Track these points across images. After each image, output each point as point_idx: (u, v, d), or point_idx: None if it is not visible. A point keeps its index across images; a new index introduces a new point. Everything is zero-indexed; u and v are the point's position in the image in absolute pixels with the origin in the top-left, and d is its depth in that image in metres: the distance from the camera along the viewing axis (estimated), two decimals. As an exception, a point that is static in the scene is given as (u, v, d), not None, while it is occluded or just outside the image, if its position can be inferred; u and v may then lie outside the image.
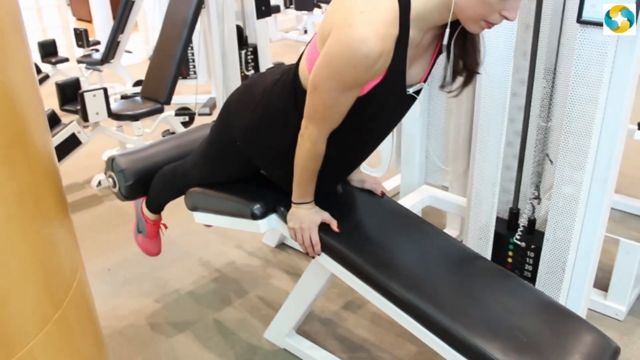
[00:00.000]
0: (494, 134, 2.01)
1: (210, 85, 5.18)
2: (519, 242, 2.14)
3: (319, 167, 1.60)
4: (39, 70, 4.87)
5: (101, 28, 6.42)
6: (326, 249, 1.71)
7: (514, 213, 2.17)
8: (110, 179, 2.21)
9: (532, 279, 2.13)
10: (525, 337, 1.47)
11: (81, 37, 5.20)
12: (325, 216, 1.71)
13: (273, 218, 1.80)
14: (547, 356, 1.44)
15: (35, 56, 5.17)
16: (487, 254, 2.22)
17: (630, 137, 2.97)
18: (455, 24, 1.35)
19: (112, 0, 6.52)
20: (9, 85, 1.09)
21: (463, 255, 1.78)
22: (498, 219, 2.20)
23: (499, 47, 1.87)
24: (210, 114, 4.28)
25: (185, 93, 5.00)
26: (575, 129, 1.79)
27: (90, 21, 7.00)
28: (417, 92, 1.52)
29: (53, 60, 5.02)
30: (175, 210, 3.27)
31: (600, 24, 1.59)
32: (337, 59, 1.32)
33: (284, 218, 1.76)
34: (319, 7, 7.46)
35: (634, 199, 3.27)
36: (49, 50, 5.09)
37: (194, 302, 2.56)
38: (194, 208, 1.99)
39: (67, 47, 6.07)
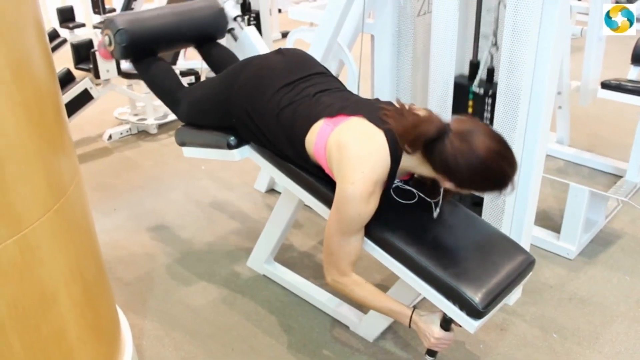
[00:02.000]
0: None
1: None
2: (477, 91, 2.28)
3: (373, 289, 1.77)
4: (57, 35, 5.17)
5: (118, -4, 6.67)
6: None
7: (474, 64, 2.30)
8: (106, 37, 2.25)
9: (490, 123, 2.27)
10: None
11: (98, 4, 5.47)
12: (437, 315, 1.77)
13: (246, 148, 2.07)
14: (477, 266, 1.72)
15: (54, 22, 5.48)
16: (448, 108, 2.30)
17: (595, 96, 3.20)
18: None
19: (129, -31, 6.78)
20: (17, 21, 1.37)
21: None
22: (460, 76, 2.35)
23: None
24: (215, 77, 4.54)
25: (194, 59, 5.25)
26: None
27: (108, -10, 7.28)
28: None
29: (70, 25, 5.31)
30: (177, 162, 3.58)
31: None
32: (345, 213, 1.67)
33: (255, 149, 2.04)
34: (329, -21, 7.64)
35: (605, 157, 3.49)
36: (66, 16, 5.38)
37: (187, 237, 2.86)
38: (182, 143, 2.27)
39: (84, 13, 6.35)
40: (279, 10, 6.97)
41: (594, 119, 4.09)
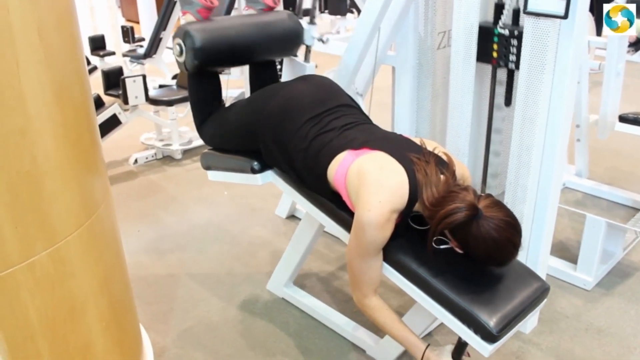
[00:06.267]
0: None
1: (242, 80, 5.57)
2: (502, 31, 2.21)
3: (393, 316, 1.82)
4: (88, 62, 5.35)
5: (147, 26, 6.91)
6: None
7: (499, 6, 2.24)
8: (177, 47, 2.12)
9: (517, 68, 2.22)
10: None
11: (127, 34, 5.67)
12: (449, 347, 1.80)
13: (269, 173, 2.14)
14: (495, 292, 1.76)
15: (86, 49, 5.65)
16: (473, 51, 2.28)
17: (612, 129, 3.24)
18: None
19: (158, 2, 7.02)
20: (58, 43, 1.47)
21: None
22: (483, 22, 2.27)
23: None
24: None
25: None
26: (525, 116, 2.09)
27: (138, 22, 7.52)
28: None
29: (101, 53, 5.49)
30: (201, 187, 3.66)
31: (543, 15, 1.89)
32: (362, 238, 1.74)
33: (278, 174, 2.11)
34: (352, 12, 7.81)
35: (623, 190, 3.51)
36: (98, 44, 5.57)
37: (209, 260, 2.93)
38: (207, 167, 2.35)
39: (114, 42, 6.57)
40: (303, 42, 7.11)
41: (612, 152, 4.11)
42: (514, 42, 2.19)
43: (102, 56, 5.49)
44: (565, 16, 1.85)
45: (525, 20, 1.99)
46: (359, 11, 3.72)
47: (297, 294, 2.56)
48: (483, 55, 2.28)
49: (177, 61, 2.18)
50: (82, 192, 1.56)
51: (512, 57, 2.23)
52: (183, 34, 2.10)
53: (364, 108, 2.66)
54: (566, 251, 2.94)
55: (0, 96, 1.29)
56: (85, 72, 1.68)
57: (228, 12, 4.46)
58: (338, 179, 1.83)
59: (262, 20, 2.28)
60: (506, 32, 2.20)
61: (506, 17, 2.23)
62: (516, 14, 2.21)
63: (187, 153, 4.30)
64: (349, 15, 7.75)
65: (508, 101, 2.39)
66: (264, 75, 2.50)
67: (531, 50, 2.00)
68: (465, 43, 2.26)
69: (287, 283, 2.56)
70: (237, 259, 2.92)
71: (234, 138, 2.21)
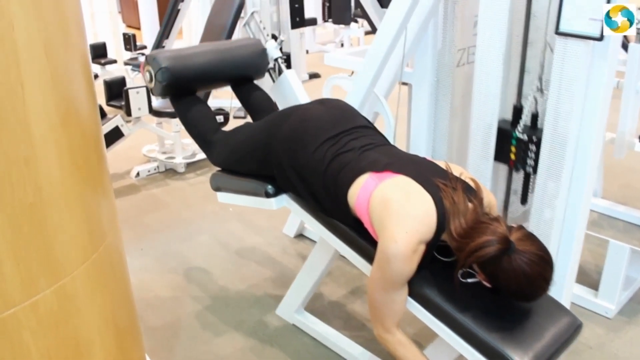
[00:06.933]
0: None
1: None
2: (521, 137, 2.20)
3: (416, 352, 1.72)
4: (89, 70, 5.24)
5: (148, 34, 6.80)
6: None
7: (518, 109, 2.24)
8: (147, 74, 2.23)
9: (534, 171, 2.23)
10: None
11: (129, 42, 5.58)
12: None
13: (283, 197, 2.04)
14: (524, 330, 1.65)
15: (86, 57, 5.55)
16: (491, 151, 2.29)
17: (630, 149, 3.15)
18: None
19: (160, 8, 6.92)
20: (66, 63, 1.36)
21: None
22: (503, 121, 2.29)
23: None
24: (244, 117, 4.56)
25: (223, 97, 5.30)
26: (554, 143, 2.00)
27: (139, 28, 7.42)
28: None
29: (102, 61, 5.40)
30: (205, 202, 3.56)
31: (575, 36, 1.79)
32: (387, 271, 1.64)
33: (293, 198, 2.00)
34: (356, 21, 7.73)
35: (639, 210, 3.41)
36: (99, 52, 5.47)
37: (215, 281, 2.81)
38: (217, 188, 2.25)
39: (116, 50, 6.46)
40: (307, 52, 7.04)
41: (625, 169, 4.02)
42: (533, 147, 2.18)
43: (104, 64, 5.40)
44: (601, 38, 1.76)
45: (556, 42, 1.89)
46: (370, 22, 3.62)
47: (309, 320, 2.45)
48: (501, 155, 2.29)
49: (149, 89, 2.27)
50: (89, 221, 1.45)
51: (530, 162, 2.22)
52: (150, 59, 2.21)
53: (388, 116, 2.56)
54: (585, 275, 2.84)
55: (3, 122, 1.18)
56: (93, 90, 1.58)
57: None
58: (360, 205, 1.73)
59: (225, 43, 2.48)
60: (525, 137, 2.19)
61: (525, 120, 2.23)
62: (534, 118, 2.20)
63: (191, 166, 4.19)
64: (352, 24, 7.67)
65: (524, 199, 2.38)
66: (251, 96, 2.49)
67: (561, 74, 1.91)
68: (483, 142, 2.26)
69: (298, 309, 2.45)
70: (244, 280, 2.81)
71: (246, 163, 2.11)
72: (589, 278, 2.81)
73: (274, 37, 3.90)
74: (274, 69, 2.70)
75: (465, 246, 1.57)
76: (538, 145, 2.14)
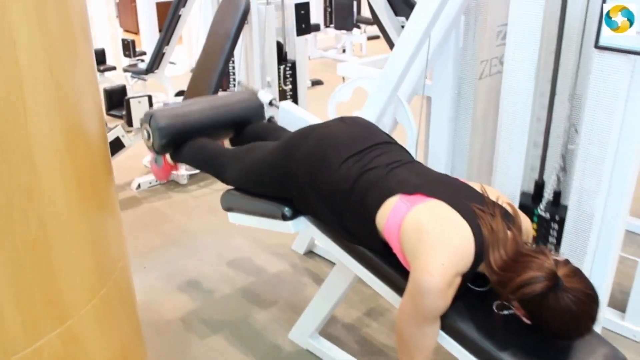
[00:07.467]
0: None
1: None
2: (543, 214, 2.14)
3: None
4: (87, 77, 5.11)
5: (147, 39, 6.67)
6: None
7: (539, 185, 2.16)
8: (145, 132, 2.27)
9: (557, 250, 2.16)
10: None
11: (128, 48, 5.44)
12: None
13: (301, 220, 1.91)
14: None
15: (85, 64, 5.43)
16: None
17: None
18: None
19: (159, 13, 6.80)
20: (73, 83, 1.23)
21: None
22: (522, 194, 2.21)
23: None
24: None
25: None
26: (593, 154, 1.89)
27: (136, 33, 7.29)
28: None
29: (101, 68, 5.25)
30: (209, 216, 3.43)
31: (616, 50, 1.68)
32: (419, 305, 1.51)
33: (312, 221, 1.88)
34: (358, 27, 7.62)
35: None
36: (97, 58, 5.33)
37: (223, 302, 2.68)
38: (229, 209, 2.12)
39: (114, 55, 6.32)
40: (308, 58, 6.92)
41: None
42: (555, 226, 2.10)
43: (102, 71, 5.26)
44: (645, 52, 1.64)
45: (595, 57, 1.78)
46: (381, 29, 3.49)
47: (323, 345, 2.31)
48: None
49: (148, 147, 2.31)
50: (97, 255, 1.32)
51: (552, 240, 2.14)
52: (147, 117, 2.24)
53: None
54: (610, 297, 2.72)
55: (3, 150, 1.06)
56: (100, 108, 1.45)
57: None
58: (390, 230, 1.60)
59: (222, 98, 2.54)
60: (547, 215, 2.12)
61: (547, 198, 2.16)
62: (557, 196, 2.12)
63: (193, 178, 4.05)
64: (355, 30, 7.55)
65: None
66: (254, 130, 2.47)
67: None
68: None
69: (313, 334, 2.32)
70: (254, 301, 2.68)
71: (261, 185, 1.98)
72: (613, 299, 2.68)
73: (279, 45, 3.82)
74: (273, 117, 2.78)
75: (507, 281, 1.44)
76: (560, 223, 2.10)
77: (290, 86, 4.21)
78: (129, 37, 5.83)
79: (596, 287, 1.74)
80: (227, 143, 2.60)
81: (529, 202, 2.19)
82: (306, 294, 2.72)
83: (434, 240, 1.48)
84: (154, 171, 2.64)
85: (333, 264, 2.91)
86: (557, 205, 2.14)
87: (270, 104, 2.80)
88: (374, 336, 2.44)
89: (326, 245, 1.88)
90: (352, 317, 2.56)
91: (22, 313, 1.13)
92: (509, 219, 1.57)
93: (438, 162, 2.49)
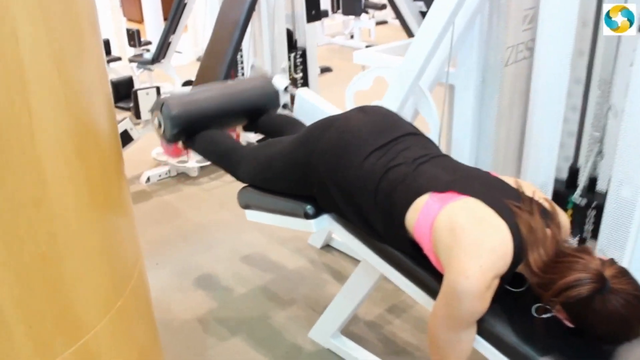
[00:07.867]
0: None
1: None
2: (578, 201, 2.05)
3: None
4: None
5: (152, 28, 6.56)
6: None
7: (574, 171, 2.08)
8: (156, 120, 2.18)
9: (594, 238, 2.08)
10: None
11: (133, 37, 5.34)
12: None
13: (325, 218, 1.82)
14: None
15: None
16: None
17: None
18: None
19: (163, 1, 6.67)
20: (82, 81, 1.14)
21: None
22: (555, 180, 2.13)
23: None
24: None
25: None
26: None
27: (140, 21, 7.16)
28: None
29: (106, 59, 5.15)
30: (221, 210, 3.34)
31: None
32: (455, 309, 1.42)
33: (336, 219, 1.78)
34: (366, 12, 7.48)
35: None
36: (103, 49, 5.24)
37: (239, 300, 2.60)
38: (246, 206, 2.03)
39: (119, 46, 6.22)
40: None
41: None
42: (592, 213, 2.01)
43: (108, 62, 5.15)
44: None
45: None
46: (398, 15, 3.37)
47: (345, 345, 2.23)
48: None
49: (159, 135, 2.21)
50: (112, 264, 1.23)
51: (588, 227, 2.05)
52: (159, 105, 2.15)
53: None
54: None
55: (7, 159, 0.96)
56: (112, 106, 1.36)
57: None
58: (420, 230, 1.50)
59: (235, 85, 2.46)
60: (583, 202, 2.02)
61: (583, 185, 2.07)
62: (592, 182, 2.04)
63: (204, 170, 3.95)
64: (363, 15, 7.41)
65: None
66: (270, 122, 2.40)
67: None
68: None
69: (335, 333, 2.23)
70: (271, 298, 2.60)
71: (280, 181, 1.89)
72: None
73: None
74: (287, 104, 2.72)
75: (549, 283, 1.34)
76: (598, 210, 2.01)
77: (301, 74, 4.10)
78: (133, 26, 5.72)
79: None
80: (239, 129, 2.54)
81: (563, 188, 2.10)
82: (326, 291, 2.63)
83: (470, 241, 1.39)
84: (165, 148, 2.56)
85: (352, 258, 2.82)
86: (593, 192, 2.04)
87: (286, 90, 2.70)
88: (398, 334, 2.35)
89: (352, 245, 1.79)
90: (374, 315, 2.47)
91: (33, 333, 1.04)
92: (546, 215, 1.47)
93: (461, 153, 2.38)
